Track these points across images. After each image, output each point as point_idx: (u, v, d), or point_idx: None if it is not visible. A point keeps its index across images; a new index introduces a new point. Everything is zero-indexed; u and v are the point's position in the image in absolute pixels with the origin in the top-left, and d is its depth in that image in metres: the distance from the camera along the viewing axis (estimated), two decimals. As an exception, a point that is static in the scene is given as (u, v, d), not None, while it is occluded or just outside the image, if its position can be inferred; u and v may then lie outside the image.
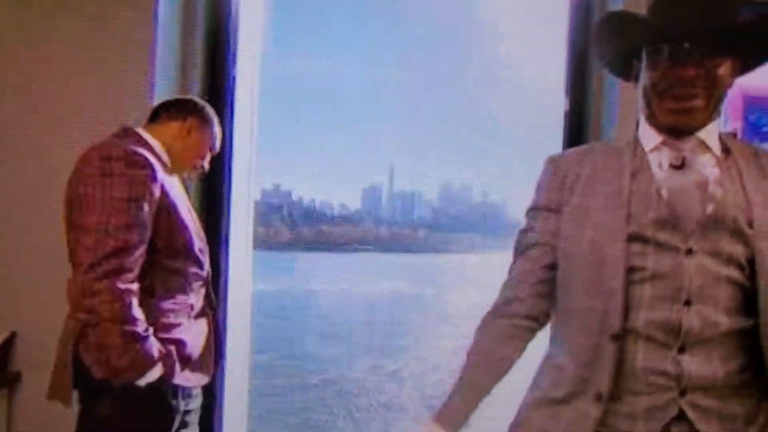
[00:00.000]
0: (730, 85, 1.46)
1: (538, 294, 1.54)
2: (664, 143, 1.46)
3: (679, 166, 1.43)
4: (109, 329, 1.83)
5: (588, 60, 2.68)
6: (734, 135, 2.21)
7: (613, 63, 1.62)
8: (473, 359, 1.54)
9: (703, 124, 1.44)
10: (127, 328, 1.84)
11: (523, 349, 1.55)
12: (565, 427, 1.43)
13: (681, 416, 1.36)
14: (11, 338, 2.62)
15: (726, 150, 1.46)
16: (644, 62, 1.46)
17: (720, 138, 1.47)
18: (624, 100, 2.37)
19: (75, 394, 1.95)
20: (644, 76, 1.46)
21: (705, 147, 1.45)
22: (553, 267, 1.52)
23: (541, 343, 1.59)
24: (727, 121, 2.23)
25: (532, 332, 1.55)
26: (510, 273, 1.59)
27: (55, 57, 2.61)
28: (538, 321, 1.55)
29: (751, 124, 2.20)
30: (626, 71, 1.55)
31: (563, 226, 1.51)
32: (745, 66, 1.49)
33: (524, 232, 1.59)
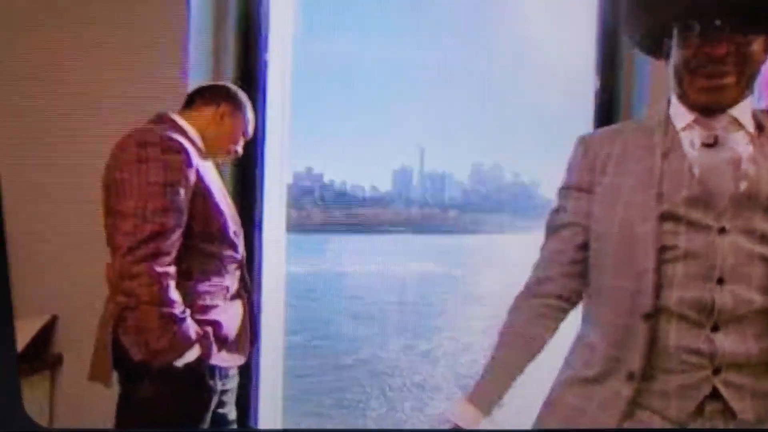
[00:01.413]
0: (763, 62, 1.42)
1: (570, 274, 1.53)
2: (695, 121, 1.44)
3: (712, 144, 1.41)
4: (148, 312, 1.86)
5: (618, 38, 2.67)
6: (768, 112, 2.18)
7: (644, 41, 1.59)
8: (505, 339, 1.54)
9: (736, 102, 1.42)
10: (165, 310, 1.87)
11: (555, 328, 1.55)
12: (598, 406, 1.42)
13: (715, 394, 1.35)
14: (53, 322, 2.65)
15: (759, 127, 1.43)
16: (675, 40, 1.43)
17: (753, 115, 1.44)
18: (655, 79, 2.36)
19: (115, 376, 1.98)
20: (675, 54, 1.43)
21: (738, 124, 1.42)
22: (585, 247, 1.52)
23: (573, 322, 1.59)
24: (760, 97, 2.19)
25: (564, 312, 1.55)
26: (542, 253, 1.59)
27: (87, 42, 2.61)
28: (569, 301, 1.55)
29: (786, 101, 2.15)
30: (657, 49, 1.53)
31: (595, 206, 1.50)
32: None
33: (556, 212, 1.58)
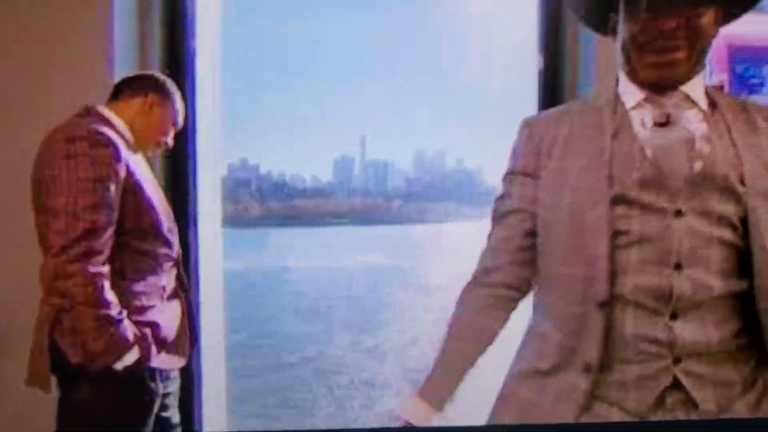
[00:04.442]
0: (714, 35, 1.38)
1: (518, 262, 1.49)
2: (646, 99, 1.40)
3: (664, 123, 1.37)
4: (83, 313, 1.81)
5: (562, 14, 2.64)
6: (721, 87, 2.16)
7: (589, 16, 1.55)
8: (454, 331, 1.50)
9: (687, 78, 1.38)
10: (101, 312, 1.82)
11: (506, 319, 1.51)
12: (553, 399, 1.38)
13: (675, 384, 1.32)
14: (-13, 325, 2.55)
15: (713, 104, 1.40)
16: (622, 14, 1.39)
17: (706, 91, 1.41)
18: (601, 56, 2.33)
19: (54, 380, 1.92)
20: (622, 29, 1.39)
21: (690, 101, 1.39)
22: (532, 234, 1.48)
23: (525, 312, 1.55)
24: (712, 73, 2.17)
25: (514, 301, 1.51)
26: (488, 241, 1.55)
27: (10, 38, 2.53)
28: (519, 290, 1.51)
29: (738, 76, 2.14)
30: (603, 24, 1.49)
31: (541, 192, 1.46)
32: (729, 14, 1.42)
33: (501, 198, 1.54)
